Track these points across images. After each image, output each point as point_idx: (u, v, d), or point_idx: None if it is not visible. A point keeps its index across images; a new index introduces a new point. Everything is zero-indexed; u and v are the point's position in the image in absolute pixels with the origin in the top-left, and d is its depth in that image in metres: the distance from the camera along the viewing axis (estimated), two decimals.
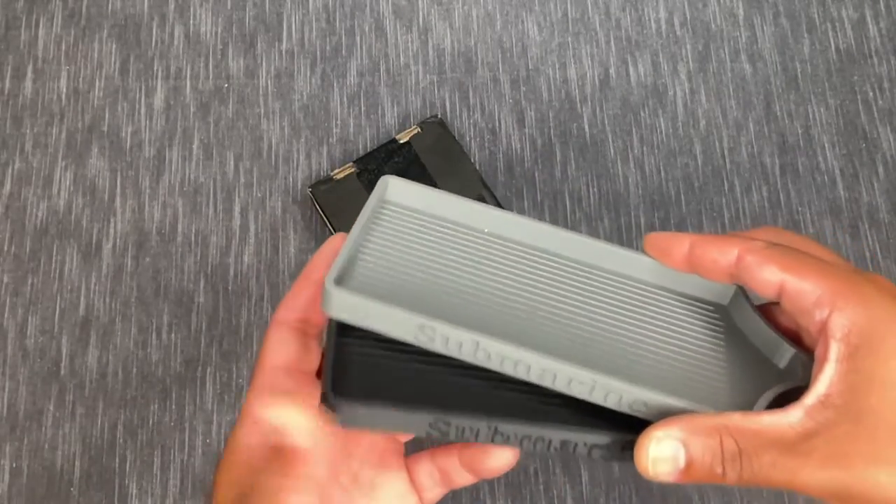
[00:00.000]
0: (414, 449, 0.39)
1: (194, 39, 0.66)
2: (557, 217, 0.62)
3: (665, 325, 0.37)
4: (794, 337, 0.36)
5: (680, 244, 0.36)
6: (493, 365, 0.33)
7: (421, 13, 0.67)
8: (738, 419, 0.31)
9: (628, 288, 0.38)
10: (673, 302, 0.38)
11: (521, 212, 0.62)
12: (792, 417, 0.31)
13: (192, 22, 0.66)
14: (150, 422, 0.57)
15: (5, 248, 0.61)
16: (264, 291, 0.60)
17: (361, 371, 0.34)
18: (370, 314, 0.33)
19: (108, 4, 0.67)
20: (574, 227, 0.62)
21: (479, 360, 0.33)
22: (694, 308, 0.38)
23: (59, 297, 0.60)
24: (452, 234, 0.38)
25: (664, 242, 0.36)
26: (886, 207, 0.63)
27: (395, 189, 0.38)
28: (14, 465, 0.56)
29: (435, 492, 0.38)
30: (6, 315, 0.59)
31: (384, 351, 0.35)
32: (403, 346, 0.34)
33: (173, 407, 0.58)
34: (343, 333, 0.35)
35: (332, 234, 0.60)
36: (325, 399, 0.33)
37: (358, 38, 0.66)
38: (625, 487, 0.56)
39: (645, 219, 0.62)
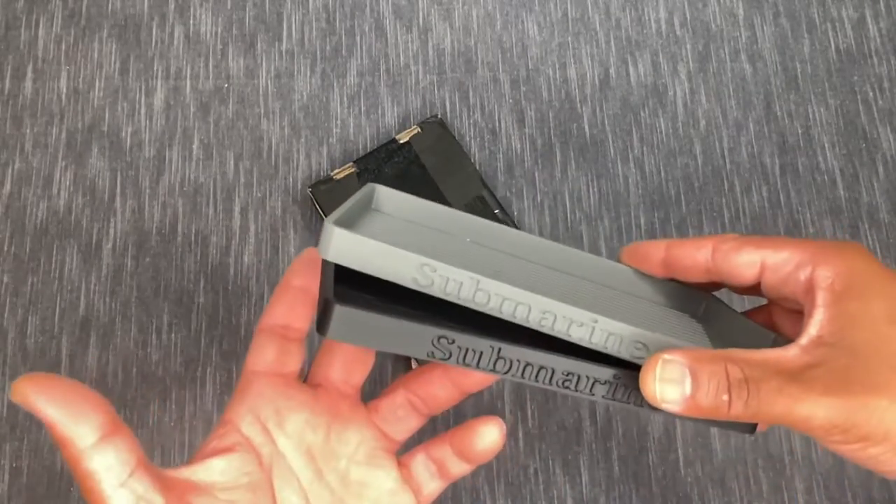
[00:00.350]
0: (408, 446, 0.39)
1: (194, 39, 0.66)
2: (557, 217, 0.62)
3: (654, 313, 0.38)
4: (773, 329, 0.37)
5: (656, 248, 0.38)
6: (493, 308, 0.32)
7: (421, 13, 0.67)
8: (740, 352, 0.32)
9: (608, 295, 0.39)
10: (652, 307, 0.39)
11: (521, 212, 0.62)
12: (790, 352, 0.32)
13: (192, 22, 0.66)
14: (150, 422, 0.57)
15: (5, 248, 0.61)
16: (264, 291, 0.60)
17: (363, 290, 0.33)
18: (368, 255, 0.31)
19: (108, 4, 0.67)
20: (574, 227, 0.62)
21: (479, 302, 0.32)
22: (673, 312, 0.39)
23: (59, 297, 0.60)
24: (436, 238, 0.39)
25: (641, 249, 0.38)
26: (886, 207, 0.63)
27: (382, 197, 0.38)
28: (14, 465, 0.56)
29: (433, 486, 0.38)
30: (6, 315, 0.59)
31: (384, 295, 0.33)
32: (402, 294, 0.32)
33: (173, 407, 0.58)
34: (339, 281, 0.33)
35: None
36: (323, 310, 0.31)
37: (358, 38, 0.66)
38: (625, 487, 0.56)
39: (645, 219, 0.62)
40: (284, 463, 0.36)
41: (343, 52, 0.66)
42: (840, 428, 0.31)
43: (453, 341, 0.31)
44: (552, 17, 0.67)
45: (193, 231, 0.61)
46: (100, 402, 0.31)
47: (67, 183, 0.62)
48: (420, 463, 0.38)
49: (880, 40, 0.67)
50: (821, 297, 0.33)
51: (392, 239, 0.33)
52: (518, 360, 0.32)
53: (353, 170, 0.61)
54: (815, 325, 0.32)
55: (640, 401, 0.33)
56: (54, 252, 0.61)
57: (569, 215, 0.62)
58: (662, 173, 0.63)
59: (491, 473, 0.57)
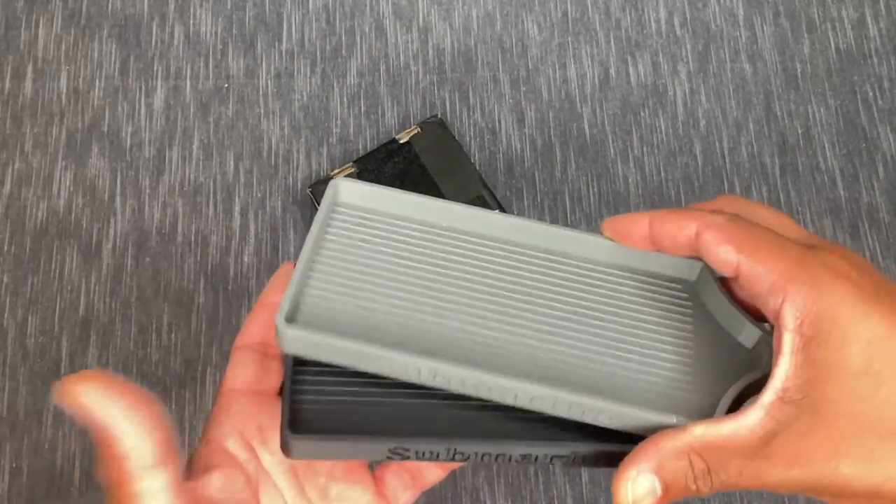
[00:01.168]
0: None
1: (194, 39, 0.66)
2: (557, 217, 0.62)
3: (629, 313, 0.37)
4: (757, 312, 0.35)
5: (639, 224, 0.35)
6: (453, 388, 0.33)
7: (421, 13, 0.67)
8: (701, 433, 0.32)
9: (590, 274, 0.38)
10: (637, 284, 0.38)
11: (521, 212, 0.62)
12: (752, 420, 0.31)
13: (192, 22, 0.66)
14: None
15: (5, 248, 0.61)
16: None
17: (318, 404, 0.35)
18: (323, 349, 0.33)
19: (108, 4, 0.67)
20: (574, 227, 0.62)
21: (439, 384, 0.33)
22: (660, 289, 0.38)
23: (59, 297, 0.60)
24: (408, 234, 0.38)
25: (622, 223, 0.36)
26: (886, 207, 0.63)
27: (346, 192, 0.38)
28: (14, 465, 0.56)
29: (406, 496, 0.39)
30: (6, 315, 0.59)
31: (341, 378, 0.35)
32: (361, 374, 0.34)
33: (173, 407, 0.58)
34: (299, 363, 0.35)
35: None
36: (283, 440, 0.33)
37: (358, 38, 0.66)
38: None
39: None
40: (270, 481, 0.36)
41: (343, 52, 0.66)
42: (808, 490, 0.31)
43: (408, 449, 0.33)
44: (552, 17, 0.67)
45: (193, 231, 0.61)
46: (161, 416, 0.30)
47: (67, 183, 0.62)
48: (394, 475, 0.38)
49: (880, 40, 0.67)
50: (788, 342, 0.31)
51: (349, 315, 0.34)
52: (475, 452, 0.33)
53: (353, 170, 0.61)
54: (780, 377, 0.31)
55: (602, 464, 0.34)
56: (54, 252, 0.61)
57: (569, 215, 0.62)
58: (662, 173, 0.63)
59: (491, 473, 0.57)
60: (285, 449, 0.33)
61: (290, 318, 0.33)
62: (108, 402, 0.28)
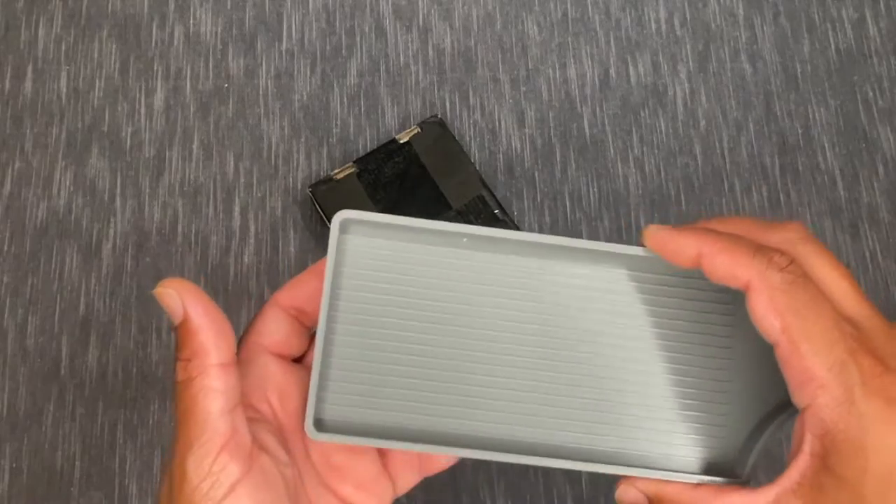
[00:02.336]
0: None
1: (194, 39, 0.66)
2: (557, 217, 0.62)
3: (665, 342, 0.36)
4: None
5: (687, 248, 0.33)
6: (480, 459, 0.35)
7: (421, 13, 0.67)
8: (710, 499, 0.33)
9: (626, 290, 0.36)
10: (676, 296, 0.36)
11: (521, 212, 0.62)
12: (760, 500, 0.32)
13: (192, 22, 0.66)
14: (150, 422, 0.57)
15: (5, 248, 0.61)
16: (264, 291, 0.60)
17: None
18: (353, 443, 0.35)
19: (108, 4, 0.67)
20: (574, 227, 0.62)
21: (461, 456, 0.35)
22: (703, 302, 0.36)
23: (59, 297, 0.60)
24: (425, 283, 0.36)
25: (668, 241, 0.33)
26: (886, 207, 0.63)
27: (353, 249, 0.36)
28: (14, 465, 0.56)
29: (408, 478, 0.38)
30: (6, 315, 0.59)
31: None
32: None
33: (174, 407, 0.58)
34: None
35: None
36: (307, 427, 0.34)
37: (358, 38, 0.66)
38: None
39: (645, 219, 0.62)
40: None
41: (343, 52, 0.66)
42: None
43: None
44: (552, 17, 0.67)
45: (193, 231, 0.61)
46: (229, 328, 0.33)
47: (67, 183, 0.62)
48: (402, 455, 0.38)
49: (880, 40, 0.67)
50: (808, 443, 0.31)
51: (374, 405, 0.35)
52: (502, 461, 0.35)
53: (353, 170, 0.61)
54: (795, 475, 0.31)
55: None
56: (54, 252, 0.61)
57: (569, 215, 0.62)
58: (662, 173, 0.63)
59: (491, 473, 0.57)
60: (308, 433, 0.34)
61: (319, 426, 0.35)
62: (195, 302, 0.32)
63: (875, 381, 0.30)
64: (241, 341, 0.37)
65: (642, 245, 0.35)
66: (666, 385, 0.36)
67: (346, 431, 0.35)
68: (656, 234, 0.34)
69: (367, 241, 0.36)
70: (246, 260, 0.61)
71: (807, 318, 0.31)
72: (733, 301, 0.36)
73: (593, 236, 0.62)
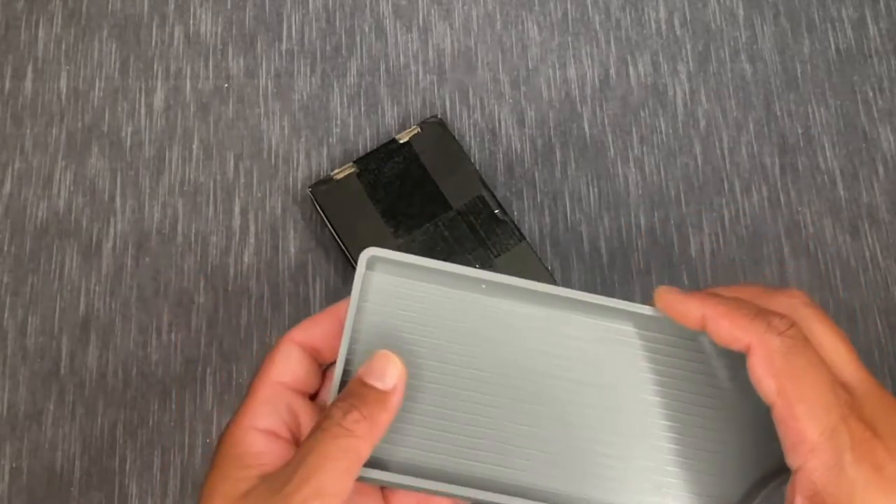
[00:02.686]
0: None
1: (194, 39, 0.66)
2: (557, 217, 0.62)
3: (667, 399, 0.37)
4: None
5: (694, 311, 0.35)
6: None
7: (421, 13, 0.67)
8: None
9: (636, 345, 0.37)
10: (682, 360, 0.37)
11: (521, 212, 0.62)
12: None
13: (192, 22, 0.66)
14: (150, 422, 0.57)
15: (5, 248, 0.61)
16: (264, 291, 0.60)
17: None
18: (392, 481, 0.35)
19: (108, 4, 0.67)
20: (574, 227, 0.62)
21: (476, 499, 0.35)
22: (706, 364, 0.37)
23: (59, 297, 0.60)
24: (445, 316, 0.37)
25: (676, 305, 0.35)
26: (886, 207, 0.63)
27: (376, 279, 0.37)
28: (14, 465, 0.56)
29: None
30: (6, 315, 0.59)
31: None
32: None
33: (173, 407, 0.58)
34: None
35: (332, 234, 0.60)
36: None
37: (358, 38, 0.66)
38: None
39: (645, 219, 0.62)
40: None
41: (343, 52, 0.66)
42: None
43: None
44: (552, 17, 0.67)
45: (193, 231, 0.61)
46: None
47: (67, 183, 0.62)
48: (405, 495, 0.38)
49: (880, 40, 0.67)
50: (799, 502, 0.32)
51: (410, 443, 0.35)
52: None
53: (353, 170, 0.61)
54: None
55: None
56: (54, 252, 0.61)
57: (569, 215, 0.62)
58: (662, 173, 0.63)
59: None
60: None
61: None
62: (403, 384, 0.34)
63: (864, 447, 0.31)
64: (260, 377, 0.37)
65: (653, 305, 0.37)
66: (666, 441, 0.36)
67: (388, 472, 0.35)
68: (665, 296, 0.36)
69: (390, 279, 0.37)
70: (246, 260, 0.61)
71: (803, 382, 0.32)
72: (736, 363, 0.37)
73: (593, 236, 0.62)
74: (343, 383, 0.35)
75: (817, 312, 0.35)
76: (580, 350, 0.37)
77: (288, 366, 0.37)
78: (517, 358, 0.37)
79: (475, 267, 0.58)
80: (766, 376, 0.32)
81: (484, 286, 0.37)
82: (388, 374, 0.33)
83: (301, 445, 0.33)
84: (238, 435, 0.35)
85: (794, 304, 0.35)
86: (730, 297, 0.35)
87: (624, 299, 0.37)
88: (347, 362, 0.36)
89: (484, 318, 0.37)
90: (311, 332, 0.38)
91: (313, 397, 0.39)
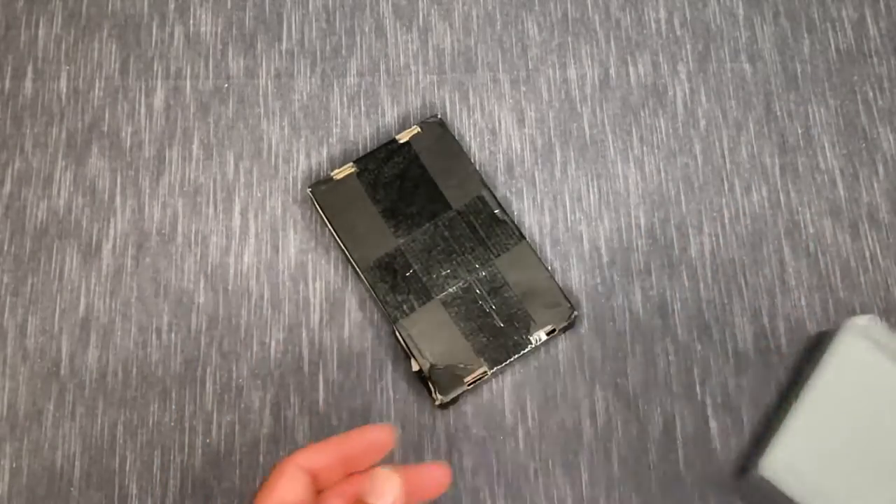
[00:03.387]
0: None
1: (194, 39, 0.66)
2: (557, 217, 0.62)
3: None
4: None
5: None
6: None
7: (421, 13, 0.67)
8: None
9: None
10: None
11: (520, 212, 0.62)
12: None
13: (192, 22, 0.66)
14: (150, 422, 0.57)
15: (5, 248, 0.61)
16: (264, 291, 0.60)
17: None
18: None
19: (108, 4, 0.67)
20: (574, 227, 0.62)
21: None
22: None
23: (59, 297, 0.60)
24: None
25: None
26: (886, 207, 0.63)
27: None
28: (14, 465, 0.56)
29: None
30: (6, 315, 0.59)
31: None
32: None
33: (173, 407, 0.58)
34: None
35: (332, 234, 0.60)
36: None
37: (358, 38, 0.66)
38: (625, 488, 0.56)
39: (645, 219, 0.62)
40: None
41: (343, 52, 0.66)
42: None
43: None
44: (552, 17, 0.67)
45: (193, 231, 0.61)
46: None
47: (67, 183, 0.62)
48: None
49: (880, 40, 0.67)
50: None
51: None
52: None
53: (353, 170, 0.61)
54: None
55: None
56: (54, 252, 0.61)
57: (569, 215, 0.62)
58: (662, 173, 0.63)
59: (491, 474, 0.57)
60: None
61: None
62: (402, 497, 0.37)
63: None
64: (264, 495, 0.39)
65: None
66: None
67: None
68: None
69: (864, 344, 0.42)
70: (246, 260, 0.61)
71: None
72: None
73: (593, 236, 0.62)
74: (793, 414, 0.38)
75: None
76: None
77: (290, 487, 0.38)
78: None
79: (475, 266, 0.58)
80: None
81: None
82: (387, 492, 0.36)
83: None
84: None
85: None
86: None
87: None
88: (808, 395, 0.40)
89: None
90: (314, 458, 0.39)
91: None
